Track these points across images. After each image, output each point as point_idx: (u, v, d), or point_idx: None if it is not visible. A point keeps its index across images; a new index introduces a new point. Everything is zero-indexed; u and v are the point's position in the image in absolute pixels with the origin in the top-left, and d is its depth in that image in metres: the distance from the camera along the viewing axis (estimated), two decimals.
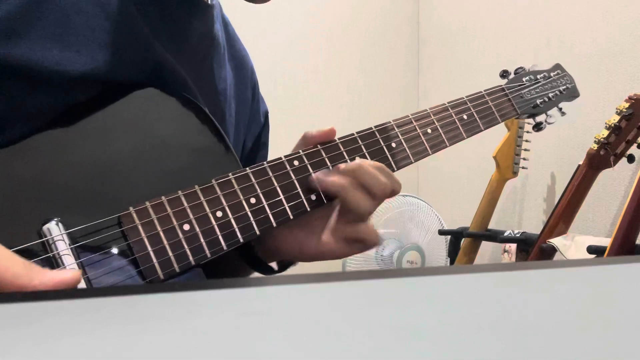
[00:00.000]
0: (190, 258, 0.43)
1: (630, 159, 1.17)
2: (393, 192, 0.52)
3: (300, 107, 1.99)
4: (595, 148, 1.23)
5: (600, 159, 1.23)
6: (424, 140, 0.57)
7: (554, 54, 1.62)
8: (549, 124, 0.73)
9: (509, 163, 1.54)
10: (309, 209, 0.49)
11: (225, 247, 0.45)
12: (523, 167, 1.55)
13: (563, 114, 0.75)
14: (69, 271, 0.37)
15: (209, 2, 0.57)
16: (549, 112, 0.73)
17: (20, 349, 0.13)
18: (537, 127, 0.73)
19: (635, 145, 1.20)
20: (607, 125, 1.21)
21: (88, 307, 0.18)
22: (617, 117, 1.20)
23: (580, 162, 1.28)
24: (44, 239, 0.39)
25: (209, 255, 0.44)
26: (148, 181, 0.45)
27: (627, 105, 1.19)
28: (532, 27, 1.70)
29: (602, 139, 1.22)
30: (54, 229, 0.40)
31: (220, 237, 0.45)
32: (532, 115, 0.72)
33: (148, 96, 0.48)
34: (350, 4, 2.14)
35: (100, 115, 0.45)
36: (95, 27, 0.46)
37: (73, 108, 0.45)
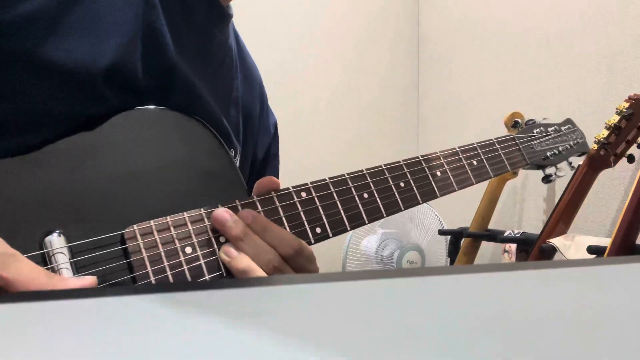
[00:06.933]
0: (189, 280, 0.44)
1: (630, 159, 1.17)
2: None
3: (300, 107, 1.99)
4: (595, 148, 1.23)
5: (600, 159, 1.23)
6: (432, 182, 0.58)
7: (554, 54, 1.62)
8: (559, 177, 0.74)
9: None
10: (313, 241, 0.49)
11: (225, 273, 0.45)
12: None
13: (572, 168, 0.76)
14: (88, 277, 0.38)
15: (230, 12, 0.58)
16: (558, 166, 0.74)
17: (20, 349, 0.13)
18: (547, 179, 0.74)
19: (635, 145, 1.20)
20: (607, 125, 1.21)
21: (88, 307, 0.18)
22: (617, 117, 1.20)
23: (580, 162, 1.28)
24: (44, 250, 0.40)
25: (207, 279, 0.44)
26: (155, 200, 0.46)
27: (627, 105, 1.19)
28: (532, 27, 1.70)
29: (602, 139, 1.22)
30: (55, 241, 0.40)
31: (221, 262, 0.45)
32: (542, 167, 0.73)
33: (161, 116, 0.48)
34: (350, 4, 2.14)
35: (114, 132, 0.46)
36: (122, 24, 0.46)
37: (88, 122, 0.45)
